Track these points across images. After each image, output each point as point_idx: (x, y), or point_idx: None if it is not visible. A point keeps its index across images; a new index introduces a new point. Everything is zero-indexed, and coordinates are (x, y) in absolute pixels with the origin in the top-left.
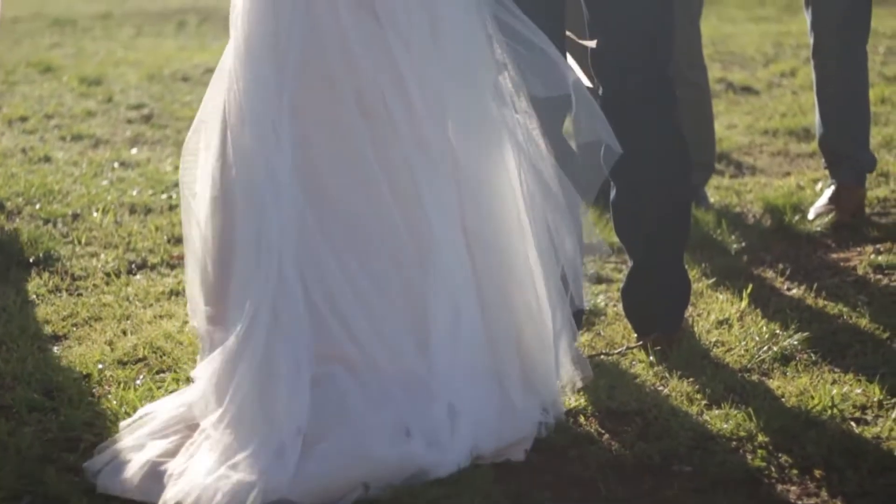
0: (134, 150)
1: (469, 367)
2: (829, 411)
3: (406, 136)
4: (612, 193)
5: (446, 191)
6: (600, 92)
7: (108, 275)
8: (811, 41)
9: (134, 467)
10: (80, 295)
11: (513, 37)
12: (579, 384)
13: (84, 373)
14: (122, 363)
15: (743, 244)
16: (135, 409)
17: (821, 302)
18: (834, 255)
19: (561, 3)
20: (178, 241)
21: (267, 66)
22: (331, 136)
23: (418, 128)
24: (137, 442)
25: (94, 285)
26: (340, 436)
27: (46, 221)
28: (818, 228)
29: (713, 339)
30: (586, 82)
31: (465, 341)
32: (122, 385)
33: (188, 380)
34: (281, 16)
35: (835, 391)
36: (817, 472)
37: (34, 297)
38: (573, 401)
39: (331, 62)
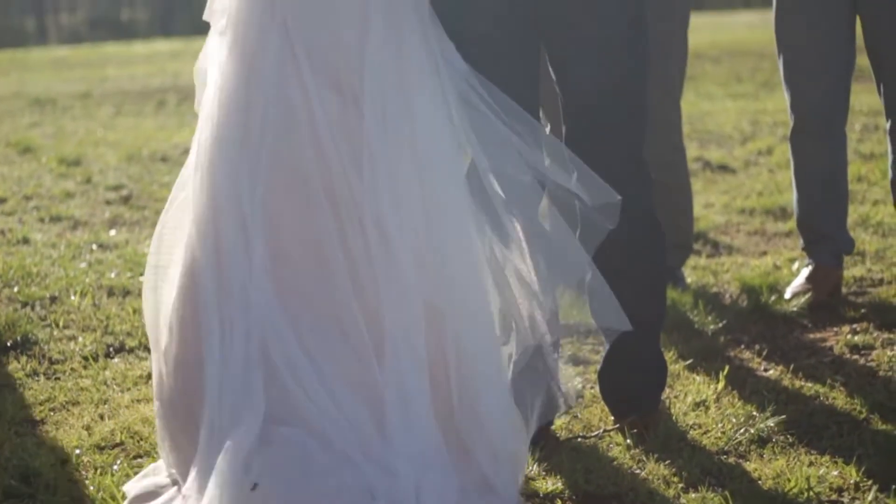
0: (112, 232)
1: (424, 451)
2: (806, 494)
3: (369, 227)
4: (588, 275)
5: (402, 282)
6: (574, 172)
7: (85, 358)
8: (791, 122)
9: None
10: (57, 379)
11: (486, 117)
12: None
13: (61, 458)
14: (99, 448)
15: (720, 325)
16: (111, 496)
17: (797, 383)
18: (810, 336)
19: (535, 72)
20: None
21: (237, 156)
22: (300, 227)
23: (382, 221)
24: None
25: (72, 369)
26: (301, 494)
27: (24, 304)
28: (795, 308)
29: (690, 422)
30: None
31: (415, 427)
32: (99, 470)
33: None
34: (253, 106)
35: (811, 473)
36: None
37: (11, 381)
38: (550, 484)
39: (303, 154)
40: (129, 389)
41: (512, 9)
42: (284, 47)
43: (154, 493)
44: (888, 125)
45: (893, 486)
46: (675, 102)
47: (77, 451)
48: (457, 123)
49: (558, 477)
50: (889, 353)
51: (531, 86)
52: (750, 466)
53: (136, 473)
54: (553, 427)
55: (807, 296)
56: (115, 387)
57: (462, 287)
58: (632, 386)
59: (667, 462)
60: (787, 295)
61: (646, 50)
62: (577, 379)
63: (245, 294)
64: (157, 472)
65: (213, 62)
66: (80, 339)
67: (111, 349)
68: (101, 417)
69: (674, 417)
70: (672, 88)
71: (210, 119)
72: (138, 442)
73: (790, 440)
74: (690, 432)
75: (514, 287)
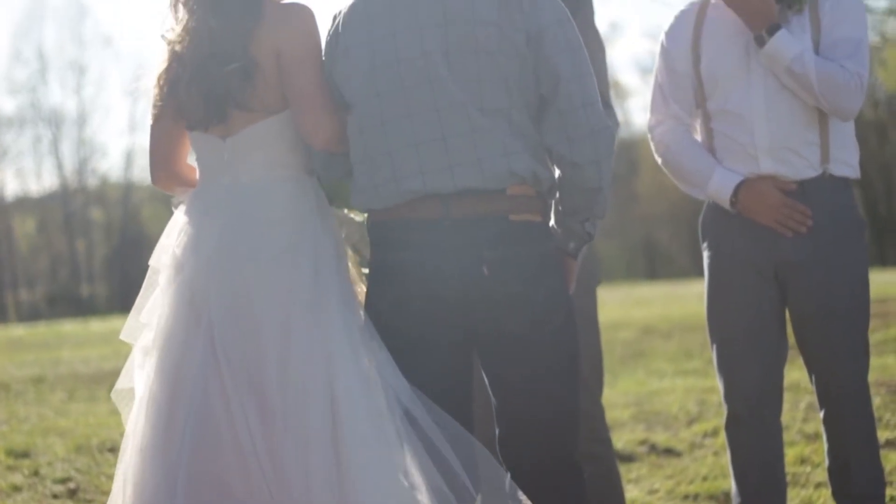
0: None
1: None
2: None
3: None
4: None
5: None
6: (508, 477)
7: None
8: (724, 412)
9: None
10: None
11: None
12: None
13: None
14: None
15: None
16: None
17: None
18: None
19: (468, 372)
20: None
21: (159, 469)
22: None
23: None
24: None
25: None
26: None
27: None
28: None
29: None
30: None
31: None
32: None
33: None
34: (176, 419)
35: None
36: None
37: None
38: None
39: (226, 465)
40: None
41: (446, 314)
42: (209, 358)
43: None
44: (822, 414)
45: None
46: (596, 399)
47: None
48: (391, 440)
49: None
50: None
51: (464, 385)
52: None
53: None
54: None
55: None
56: None
57: None
58: None
59: None
60: None
61: (577, 352)
62: None
63: None
64: None
65: (138, 378)
66: None
67: None
68: None
69: None
70: (589, 384)
71: (135, 433)
72: None
73: None
74: None
75: None
